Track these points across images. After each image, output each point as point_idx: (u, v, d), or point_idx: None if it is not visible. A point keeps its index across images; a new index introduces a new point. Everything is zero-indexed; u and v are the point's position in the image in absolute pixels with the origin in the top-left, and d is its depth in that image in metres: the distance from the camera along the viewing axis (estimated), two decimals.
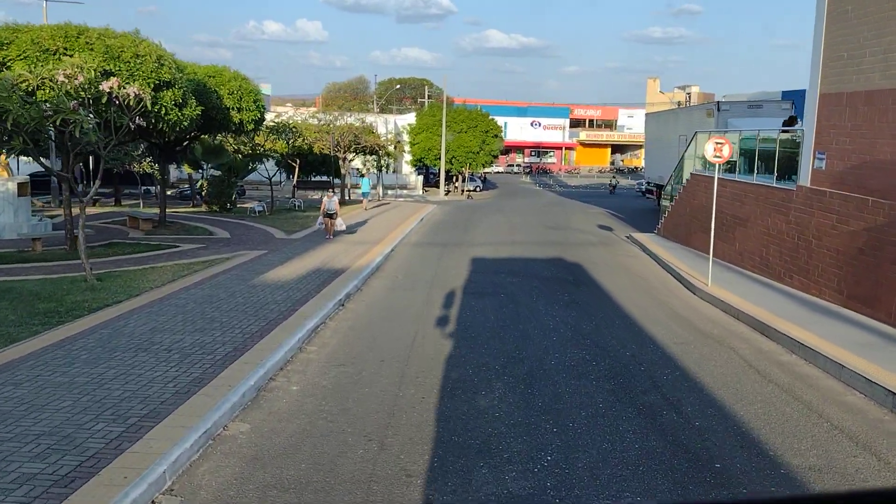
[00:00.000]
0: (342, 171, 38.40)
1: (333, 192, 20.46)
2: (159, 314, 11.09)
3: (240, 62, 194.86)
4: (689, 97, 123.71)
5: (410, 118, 61.14)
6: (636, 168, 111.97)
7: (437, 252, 19.78)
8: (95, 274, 14.10)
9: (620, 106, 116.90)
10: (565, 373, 8.85)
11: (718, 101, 25.81)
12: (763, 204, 15.13)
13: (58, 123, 13.10)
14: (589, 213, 33.93)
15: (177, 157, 25.99)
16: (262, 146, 33.20)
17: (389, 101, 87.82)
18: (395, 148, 42.31)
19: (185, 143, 23.14)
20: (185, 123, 16.80)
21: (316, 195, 44.32)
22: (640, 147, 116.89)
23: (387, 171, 53.75)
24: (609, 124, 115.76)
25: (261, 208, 28.21)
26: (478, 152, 52.85)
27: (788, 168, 14.93)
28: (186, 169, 35.02)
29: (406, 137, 55.64)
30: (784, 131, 15.52)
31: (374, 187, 42.43)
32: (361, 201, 37.34)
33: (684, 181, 20.42)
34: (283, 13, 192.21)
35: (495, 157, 58.27)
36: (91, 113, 13.55)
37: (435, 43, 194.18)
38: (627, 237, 23.16)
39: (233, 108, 20.39)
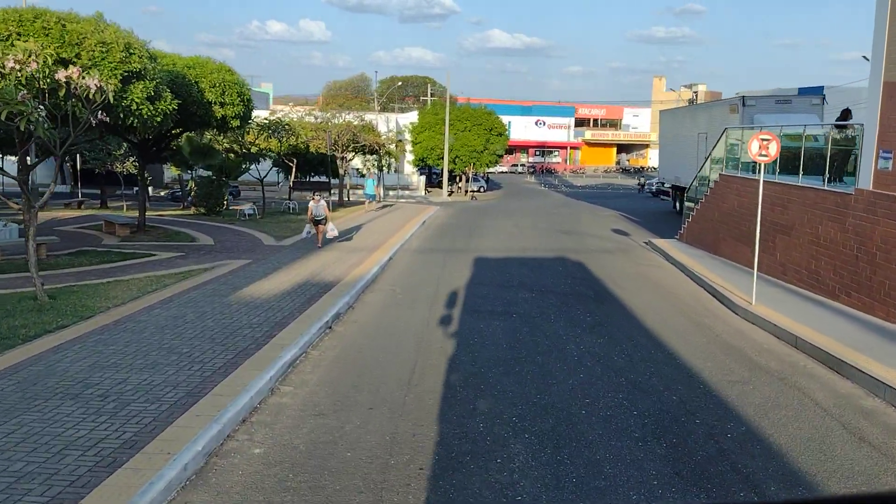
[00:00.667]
0: (340, 171, 36.55)
1: (319, 195, 18.50)
2: (108, 343, 9.29)
3: (243, 62, 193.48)
4: (696, 96, 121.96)
5: (412, 116, 59.37)
6: (642, 168, 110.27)
7: (439, 260, 17.97)
8: (50, 290, 12.32)
9: (626, 105, 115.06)
10: (601, 428, 7.01)
11: (743, 96, 23.94)
12: (811, 209, 13.27)
13: (2, 117, 11.31)
14: (601, 215, 32.08)
15: (159, 157, 24.18)
16: (254, 144, 31.40)
17: (391, 100, 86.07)
18: (396, 147, 40.45)
19: (166, 141, 21.31)
20: (159, 119, 14.98)
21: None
22: (645, 147, 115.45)
23: (388, 172, 52.03)
24: (614, 124, 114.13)
25: (251, 211, 26.39)
26: (482, 152, 51.06)
27: (841, 168, 13.08)
28: (173, 170, 33.23)
29: (408, 136, 53.89)
30: (839, 126, 13.65)
31: (376, 188, 40.63)
32: (363, 203, 35.70)
33: (711, 183, 18.57)
34: (285, 13, 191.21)
35: (500, 156, 56.47)
36: (42, 105, 11.74)
37: (438, 43, 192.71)
38: (647, 243, 21.32)
39: (215, 103, 18.55)
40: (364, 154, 42.02)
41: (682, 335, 10.74)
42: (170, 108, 15.61)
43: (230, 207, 29.68)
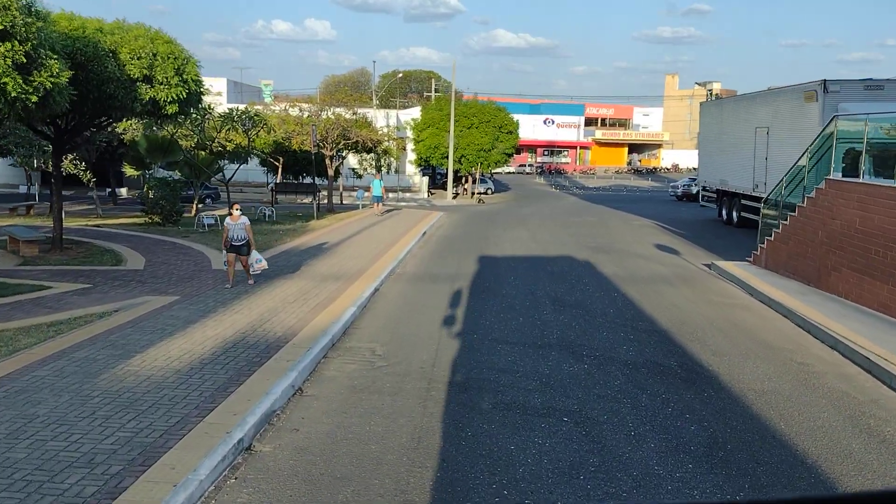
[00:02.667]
0: (329, 170, 31.77)
1: (239, 207, 13.32)
2: None
3: (249, 61, 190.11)
4: (711, 94, 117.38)
5: (415, 112, 54.69)
6: (655, 168, 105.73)
7: (441, 295, 13.20)
8: None
9: (636, 105, 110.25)
10: None
11: (825, 81, 19.13)
12: None
13: None
14: (632, 224, 27.26)
15: (79, 150, 19.46)
16: (230, 141, 26.72)
17: (392, 94, 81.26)
18: (395, 144, 35.64)
19: (82, 130, 16.57)
20: (35, 98, 10.26)
21: (306, 199, 38.00)
22: (658, 146, 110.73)
23: (388, 172, 47.39)
24: (623, 123, 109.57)
25: (212, 221, 21.56)
26: (490, 150, 46.32)
27: None
28: (128, 170, 28.61)
29: (410, 134, 49.21)
30: None
31: (368, 190, 35.97)
32: (358, 208, 31.24)
33: (811, 191, 13.76)
34: (291, 13, 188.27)
35: (509, 155, 51.71)
36: None
37: (443, 42, 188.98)
38: (709, 267, 16.54)
39: (140, 80, 13.81)
40: (359, 152, 37.34)
41: (879, 473, 5.97)
42: (59, 82, 10.85)
43: (200, 214, 24.93)
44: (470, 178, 48.84)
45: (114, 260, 15.43)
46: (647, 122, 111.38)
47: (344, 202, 39.56)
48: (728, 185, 25.76)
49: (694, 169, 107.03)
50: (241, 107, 25.54)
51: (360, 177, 45.16)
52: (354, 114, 34.88)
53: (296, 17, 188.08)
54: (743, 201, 24.57)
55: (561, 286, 14.21)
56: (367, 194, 34.21)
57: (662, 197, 51.18)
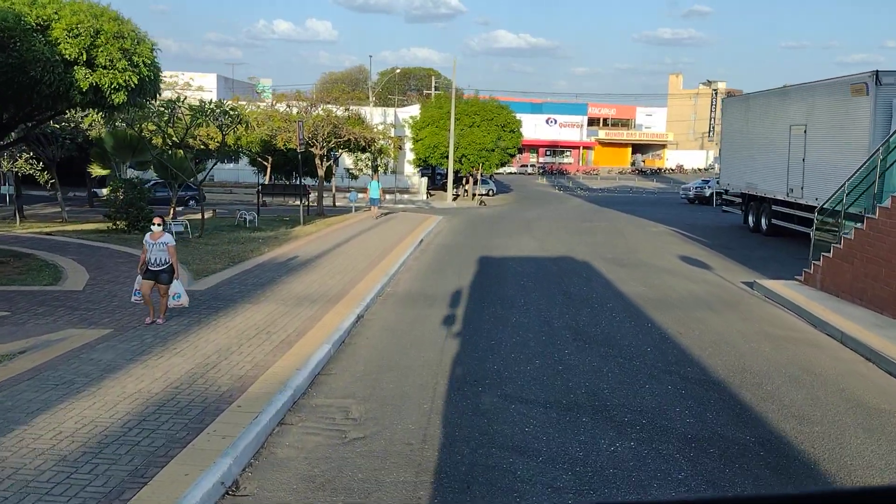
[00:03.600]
0: (320, 171, 29.31)
1: (160, 221, 10.46)
2: None
3: (250, 61, 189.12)
4: (716, 94, 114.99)
5: (414, 110, 52.39)
6: (660, 169, 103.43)
7: (436, 326, 10.85)
8: None
9: (640, 104, 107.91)
10: None
11: (877, 72, 16.76)
12: None
13: None
14: (649, 231, 24.90)
15: (40, 149, 17.11)
16: (196, 136, 24.35)
17: (390, 91, 78.86)
18: (391, 143, 33.13)
19: (25, 126, 14.22)
20: None
21: (294, 202, 35.66)
22: (662, 147, 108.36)
23: (385, 172, 45.06)
24: (625, 123, 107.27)
25: (181, 227, 19.06)
26: (492, 150, 43.97)
27: None
28: (94, 170, 26.20)
29: (408, 132, 46.89)
30: None
31: (365, 191, 33.62)
32: (351, 210, 28.93)
33: (886, 200, 11.38)
34: (293, 13, 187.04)
35: (512, 155, 49.38)
36: None
37: (444, 43, 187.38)
38: (750, 286, 14.19)
39: (78, 63, 11.41)
40: (353, 151, 35.00)
41: None
42: None
43: (177, 219, 22.49)
44: (471, 179, 46.52)
45: (51, 278, 13.06)
46: (651, 122, 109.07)
47: (337, 204, 37.22)
48: (756, 188, 23.39)
49: (700, 170, 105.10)
50: (215, 99, 23.05)
51: (354, 178, 42.84)
52: (347, 110, 32.46)
53: (297, 18, 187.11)
54: (774, 207, 22.21)
55: (582, 313, 11.85)
56: (360, 196, 31.93)
57: (672, 199, 48.86)
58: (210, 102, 19.39)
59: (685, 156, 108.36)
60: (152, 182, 27.12)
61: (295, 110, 28.97)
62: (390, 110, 51.98)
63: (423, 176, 51.95)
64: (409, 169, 51.15)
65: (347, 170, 44.07)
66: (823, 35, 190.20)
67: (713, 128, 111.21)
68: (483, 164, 44.06)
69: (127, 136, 21.26)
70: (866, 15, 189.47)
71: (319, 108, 28.39)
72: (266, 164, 35.36)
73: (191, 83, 25.34)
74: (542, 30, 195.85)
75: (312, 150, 28.67)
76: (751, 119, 23.95)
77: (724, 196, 26.99)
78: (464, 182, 47.73)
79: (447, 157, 42.49)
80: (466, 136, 42.74)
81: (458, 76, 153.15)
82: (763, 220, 23.25)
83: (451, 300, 12.69)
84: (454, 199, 44.67)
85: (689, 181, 55.25)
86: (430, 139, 43.86)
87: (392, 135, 32.72)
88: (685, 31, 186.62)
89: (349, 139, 28.93)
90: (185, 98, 19.46)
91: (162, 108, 18.78)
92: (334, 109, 30.73)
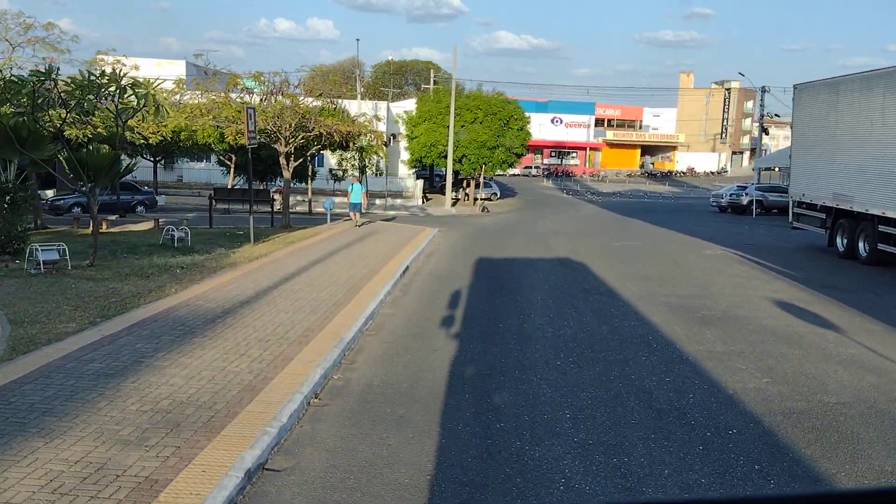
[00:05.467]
0: (286, 172, 23.57)
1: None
2: None
3: (252, 60, 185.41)
4: (729, 94, 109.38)
5: (409, 104, 46.72)
6: (670, 172, 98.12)
7: (415, 475, 5.15)
8: None
9: (647, 104, 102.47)
10: None
11: None
12: None
13: None
14: (705, 255, 19.20)
15: None
16: (134, 129, 18.68)
17: (384, 84, 73.07)
18: (374, 139, 27.33)
19: None
20: None
21: (266, 209, 30.00)
22: (672, 149, 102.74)
23: (375, 174, 39.40)
24: (631, 124, 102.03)
25: (55, 256, 13.04)
26: (495, 148, 38.38)
27: None
28: None
29: (402, 129, 41.31)
30: None
31: (346, 194, 27.93)
32: (350, 216, 23.50)
33: None
34: (294, 12, 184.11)
35: (520, 155, 43.73)
36: None
37: (445, 43, 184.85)
38: None
39: None
40: (332, 149, 29.31)
41: None
42: None
43: (34, 245, 16.63)
44: (472, 182, 40.95)
45: None
46: (658, 123, 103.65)
47: (314, 211, 31.59)
48: (850, 201, 17.69)
49: (712, 173, 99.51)
50: (89, 69, 16.83)
51: (338, 179, 37.19)
52: (331, 103, 26.70)
53: (298, 17, 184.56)
54: (881, 227, 16.53)
55: (691, 453, 6.14)
56: (336, 201, 26.32)
57: (696, 206, 43.35)
58: (86, 72, 13.60)
59: (696, 158, 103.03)
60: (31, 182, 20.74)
61: (257, 99, 23.29)
62: (382, 104, 46.29)
63: (418, 178, 46.45)
64: (404, 170, 45.55)
65: (331, 170, 38.47)
66: (825, 38, 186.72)
67: (726, 129, 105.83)
68: (485, 164, 38.51)
69: (9, 125, 15.59)
70: (868, 19, 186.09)
71: (280, 95, 22.64)
72: (228, 163, 29.75)
73: (123, 62, 19.72)
74: (543, 31, 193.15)
75: (276, 146, 22.97)
76: (841, 111, 18.24)
77: (796, 210, 21.23)
78: (464, 185, 42.22)
79: (446, 156, 36.98)
80: (468, 133, 37.21)
81: (460, 75, 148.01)
82: (862, 244, 17.56)
83: (441, 416, 7.00)
84: (453, 205, 39.13)
85: (719, 187, 49.41)
86: (426, 136, 38.37)
87: (377, 128, 27.10)
88: (687, 34, 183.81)
89: (321, 133, 23.18)
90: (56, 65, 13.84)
91: (17, 79, 13.16)
92: (307, 100, 25.03)
